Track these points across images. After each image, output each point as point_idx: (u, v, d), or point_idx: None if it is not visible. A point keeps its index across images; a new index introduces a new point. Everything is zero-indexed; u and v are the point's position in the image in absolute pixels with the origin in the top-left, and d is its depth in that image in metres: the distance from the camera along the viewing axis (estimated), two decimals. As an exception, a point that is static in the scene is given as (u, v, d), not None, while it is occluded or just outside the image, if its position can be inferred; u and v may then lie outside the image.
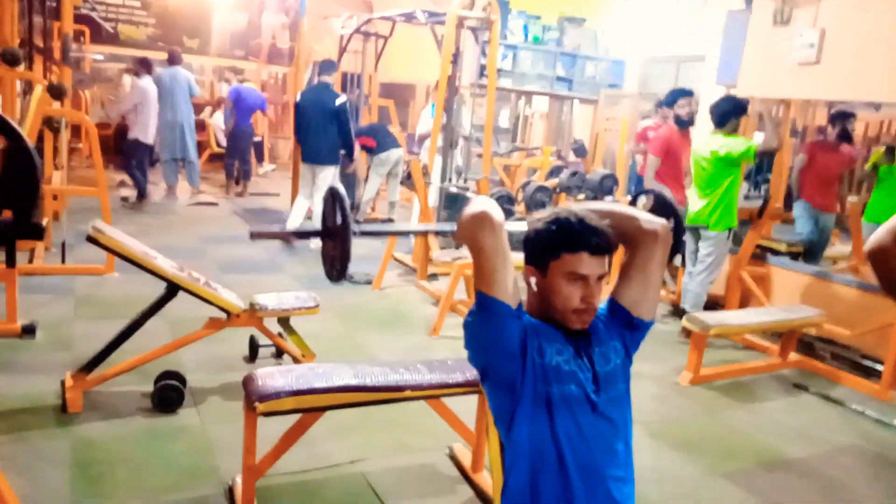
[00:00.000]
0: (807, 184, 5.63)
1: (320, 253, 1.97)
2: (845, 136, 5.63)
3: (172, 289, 3.20)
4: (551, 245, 1.52)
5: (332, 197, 1.88)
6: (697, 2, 7.49)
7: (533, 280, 1.56)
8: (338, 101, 6.17)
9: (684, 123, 5.26)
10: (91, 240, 3.10)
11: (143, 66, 7.81)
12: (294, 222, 6.45)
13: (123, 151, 7.98)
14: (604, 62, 8.37)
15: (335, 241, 1.87)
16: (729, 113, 4.61)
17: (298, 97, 6.41)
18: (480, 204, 1.48)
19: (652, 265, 1.60)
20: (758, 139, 4.69)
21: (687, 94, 5.30)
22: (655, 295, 1.66)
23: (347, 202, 1.85)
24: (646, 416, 3.50)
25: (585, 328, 1.56)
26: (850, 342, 4.57)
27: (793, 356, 4.49)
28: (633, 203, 2.28)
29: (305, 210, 6.52)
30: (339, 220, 1.85)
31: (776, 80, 5.14)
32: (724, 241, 4.72)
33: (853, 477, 3.20)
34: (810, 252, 5.50)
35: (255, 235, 1.97)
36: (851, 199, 5.24)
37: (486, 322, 1.48)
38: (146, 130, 7.64)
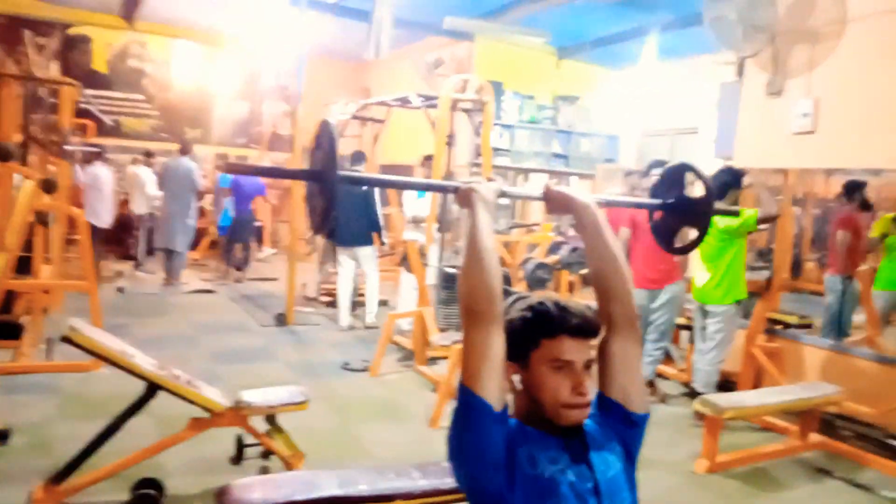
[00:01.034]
0: (840, 255, 5.53)
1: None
2: (865, 206, 5.67)
3: (152, 388, 3.03)
4: (528, 333, 1.39)
5: (324, 132, 1.64)
6: (689, 75, 7.59)
7: (517, 378, 1.41)
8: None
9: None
10: (66, 339, 2.96)
11: (95, 155, 8.29)
12: (345, 304, 6.78)
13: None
14: (598, 138, 8.43)
15: (320, 185, 1.65)
16: (728, 184, 4.55)
17: None
18: (476, 265, 1.38)
19: (632, 348, 1.49)
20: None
21: (661, 164, 5.14)
22: (642, 383, 1.53)
23: (336, 142, 1.60)
24: (662, 512, 3.25)
25: (581, 423, 1.40)
26: (874, 420, 4.33)
27: (814, 437, 4.23)
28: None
29: (350, 291, 6.80)
30: (325, 160, 1.61)
31: (773, 150, 5.08)
32: (733, 316, 4.55)
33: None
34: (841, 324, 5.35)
35: (230, 168, 1.78)
36: (861, 268, 5.09)
37: (467, 425, 1.33)
38: (96, 214, 7.85)
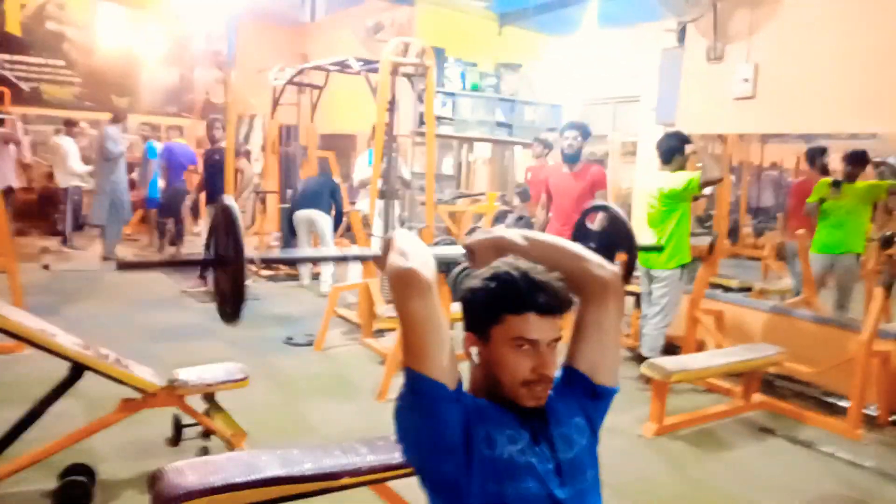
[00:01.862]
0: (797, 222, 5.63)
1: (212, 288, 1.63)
2: (825, 171, 5.78)
3: (77, 369, 2.82)
4: (492, 306, 1.26)
5: (224, 215, 1.48)
6: (632, 43, 7.58)
7: (474, 350, 1.30)
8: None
9: (569, 157, 4.93)
10: (-22, 319, 2.71)
11: None
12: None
13: None
14: (542, 106, 8.37)
15: (227, 271, 1.49)
16: (674, 149, 4.54)
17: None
18: (403, 254, 1.21)
19: (607, 321, 1.37)
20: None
21: (576, 126, 5.01)
22: (616, 356, 1.43)
23: (241, 223, 1.46)
24: (614, 477, 3.22)
25: (541, 405, 1.30)
26: (812, 379, 4.45)
27: (756, 397, 4.33)
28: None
29: None
30: (231, 245, 1.46)
31: (714, 116, 5.11)
32: (678, 280, 4.58)
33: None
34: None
35: (122, 266, 1.64)
36: (799, 232, 5.19)
37: (417, 409, 1.21)
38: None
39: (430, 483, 1.27)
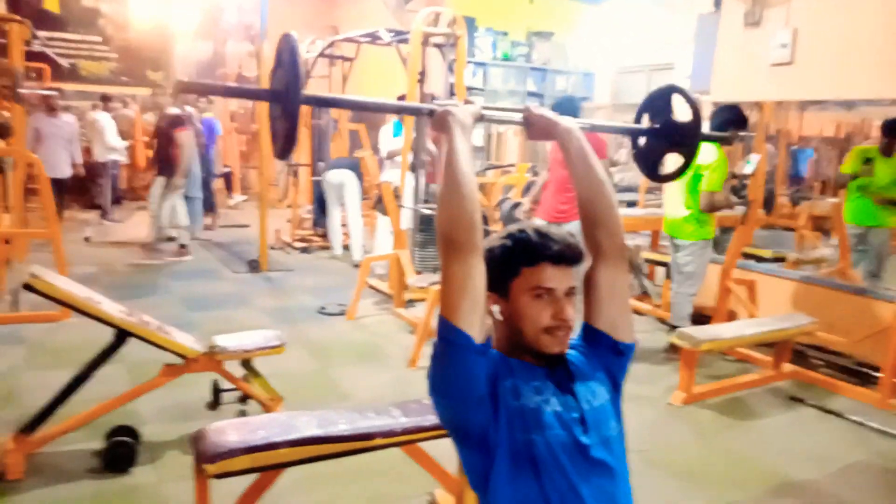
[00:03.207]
0: None
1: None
2: None
3: (121, 335, 2.94)
4: (508, 262, 1.34)
5: (285, 48, 1.47)
6: (666, 9, 7.42)
7: (496, 309, 1.36)
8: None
9: None
10: (28, 287, 2.84)
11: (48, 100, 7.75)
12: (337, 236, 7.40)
13: None
14: (574, 75, 8.26)
15: (281, 104, 1.50)
16: (728, 122, 4.32)
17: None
18: (455, 195, 1.30)
19: (619, 280, 1.43)
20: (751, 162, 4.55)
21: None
22: (630, 314, 1.48)
23: (299, 58, 1.47)
24: (641, 443, 3.28)
25: (564, 351, 1.35)
26: (845, 349, 4.41)
27: (787, 367, 4.31)
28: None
29: (339, 224, 7.34)
30: (287, 78, 1.45)
31: (749, 82, 5.01)
32: (702, 248, 4.48)
33: (867, 498, 2.99)
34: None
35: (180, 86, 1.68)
36: (832, 201, 5.10)
37: (448, 358, 1.27)
38: (51, 167, 7.18)
39: (461, 435, 1.32)
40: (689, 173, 4.45)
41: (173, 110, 6.94)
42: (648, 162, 1.89)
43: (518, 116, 1.60)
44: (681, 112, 1.83)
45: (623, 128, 1.95)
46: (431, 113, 1.49)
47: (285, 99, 1.47)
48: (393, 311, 5.32)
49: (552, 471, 1.26)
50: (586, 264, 1.43)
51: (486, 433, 1.28)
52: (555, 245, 1.32)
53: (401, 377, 4.14)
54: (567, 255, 1.33)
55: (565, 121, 1.54)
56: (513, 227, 1.39)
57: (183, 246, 6.96)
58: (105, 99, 9.22)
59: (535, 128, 1.58)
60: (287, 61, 1.44)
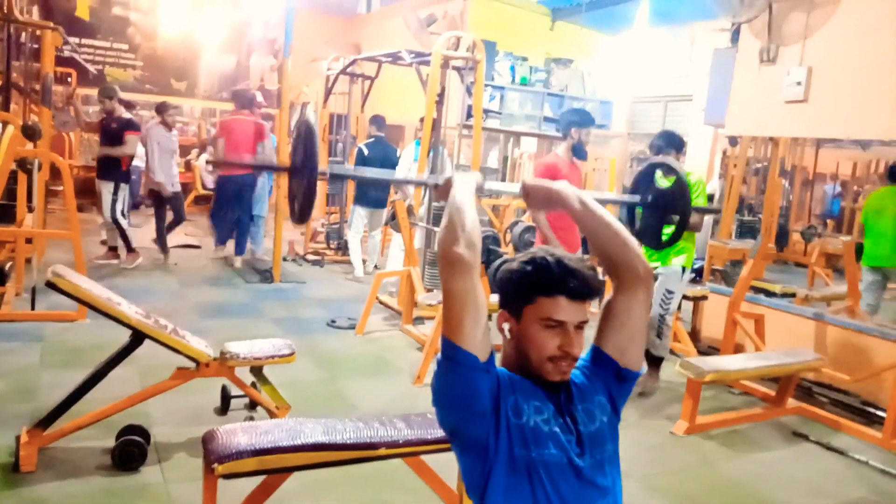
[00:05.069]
0: None
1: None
2: None
3: (137, 337, 3.01)
4: (526, 288, 1.38)
5: (304, 130, 1.68)
6: (685, 42, 7.52)
7: (507, 326, 1.41)
8: (398, 153, 7.22)
9: (577, 151, 4.65)
10: (50, 285, 2.92)
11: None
12: (358, 259, 7.28)
13: None
14: (591, 103, 8.35)
15: (300, 178, 1.69)
16: (668, 145, 4.27)
17: (365, 149, 7.21)
18: (455, 220, 1.35)
19: (637, 309, 1.46)
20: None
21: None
22: (642, 342, 1.52)
23: (317, 138, 1.67)
24: (642, 469, 3.31)
25: (566, 380, 1.40)
26: (850, 388, 4.41)
27: (791, 402, 4.32)
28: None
29: (359, 245, 7.33)
30: (305, 156, 1.67)
31: (764, 118, 5.08)
32: (672, 276, 4.30)
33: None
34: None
35: (214, 163, 1.88)
36: (844, 239, 5.13)
37: (452, 375, 1.32)
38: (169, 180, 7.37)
39: (461, 443, 1.38)
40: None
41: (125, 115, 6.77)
42: (650, 234, 2.00)
43: (516, 188, 1.64)
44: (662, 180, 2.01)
45: (621, 199, 2.05)
46: (436, 186, 1.57)
47: (302, 174, 1.66)
48: (402, 328, 5.38)
49: (545, 486, 1.32)
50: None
51: (486, 444, 1.34)
52: (573, 281, 1.35)
53: (407, 392, 4.19)
54: (583, 292, 1.36)
55: (561, 186, 1.53)
56: (537, 253, 1.40)
57: (112, 249, 6.85)
58: (128, 105, 9.29)
59: (533, 198, 1.59)
60: (305, 143, 1.66)
